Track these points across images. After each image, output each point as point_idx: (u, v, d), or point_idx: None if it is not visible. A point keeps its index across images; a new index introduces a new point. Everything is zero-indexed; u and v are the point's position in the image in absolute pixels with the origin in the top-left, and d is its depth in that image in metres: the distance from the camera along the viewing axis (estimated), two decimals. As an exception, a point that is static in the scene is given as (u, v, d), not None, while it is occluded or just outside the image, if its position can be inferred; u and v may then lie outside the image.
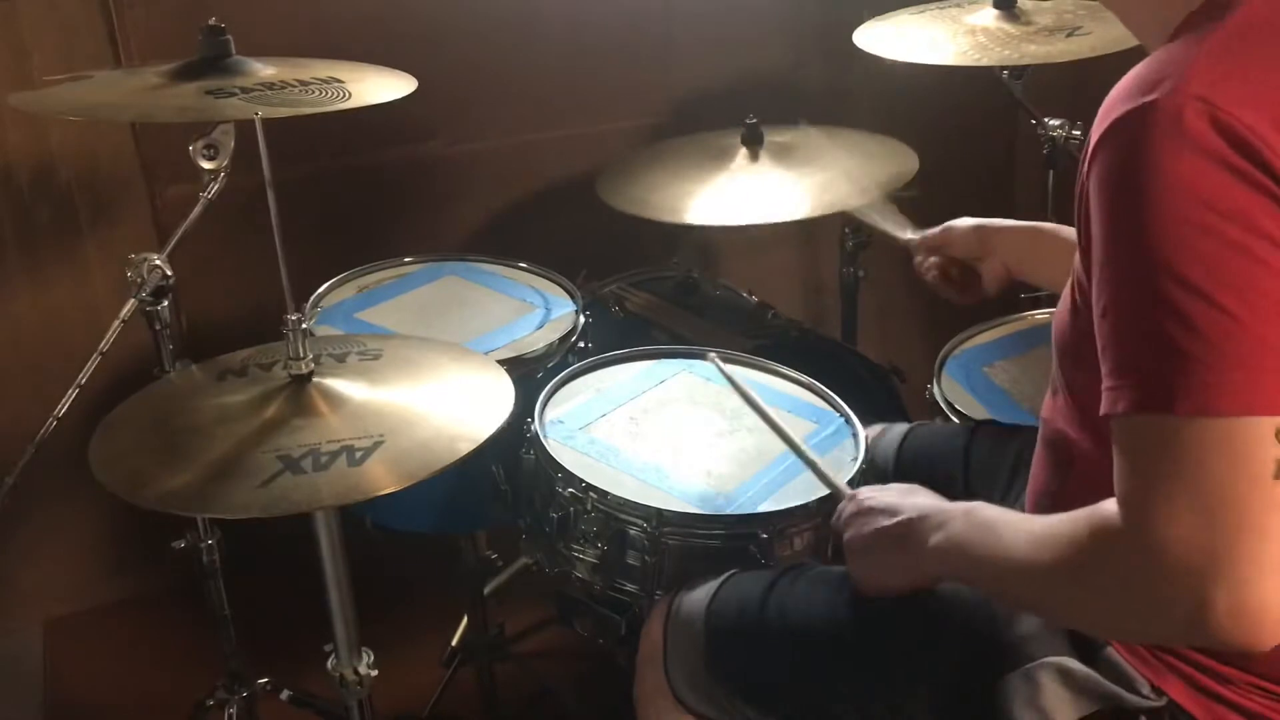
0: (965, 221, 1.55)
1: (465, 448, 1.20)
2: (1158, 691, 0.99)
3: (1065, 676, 1.02)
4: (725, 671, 1.21)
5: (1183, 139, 0.81)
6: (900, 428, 1.53)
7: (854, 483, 1.38)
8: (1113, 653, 1.01)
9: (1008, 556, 0.96)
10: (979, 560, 1.01)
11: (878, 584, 1.14)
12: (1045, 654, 1.03)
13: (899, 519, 1.11)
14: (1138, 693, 0.99)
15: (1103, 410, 0.86)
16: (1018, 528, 0.97)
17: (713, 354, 1.60)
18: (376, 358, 1.38)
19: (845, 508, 1.21)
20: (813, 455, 1.36)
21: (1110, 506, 0.86)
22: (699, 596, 1.26)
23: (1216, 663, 0.97)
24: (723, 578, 1.27)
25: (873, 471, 1.47)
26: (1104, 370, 0.87)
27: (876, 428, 1.55)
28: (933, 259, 1.57)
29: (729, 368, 1.54)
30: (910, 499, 1.14)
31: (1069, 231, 1.43)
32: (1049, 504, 1.02)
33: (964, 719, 1.08)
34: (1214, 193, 0.80)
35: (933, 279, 1.58)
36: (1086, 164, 0.89)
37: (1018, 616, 1.07)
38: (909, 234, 1.64)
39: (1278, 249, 0.80)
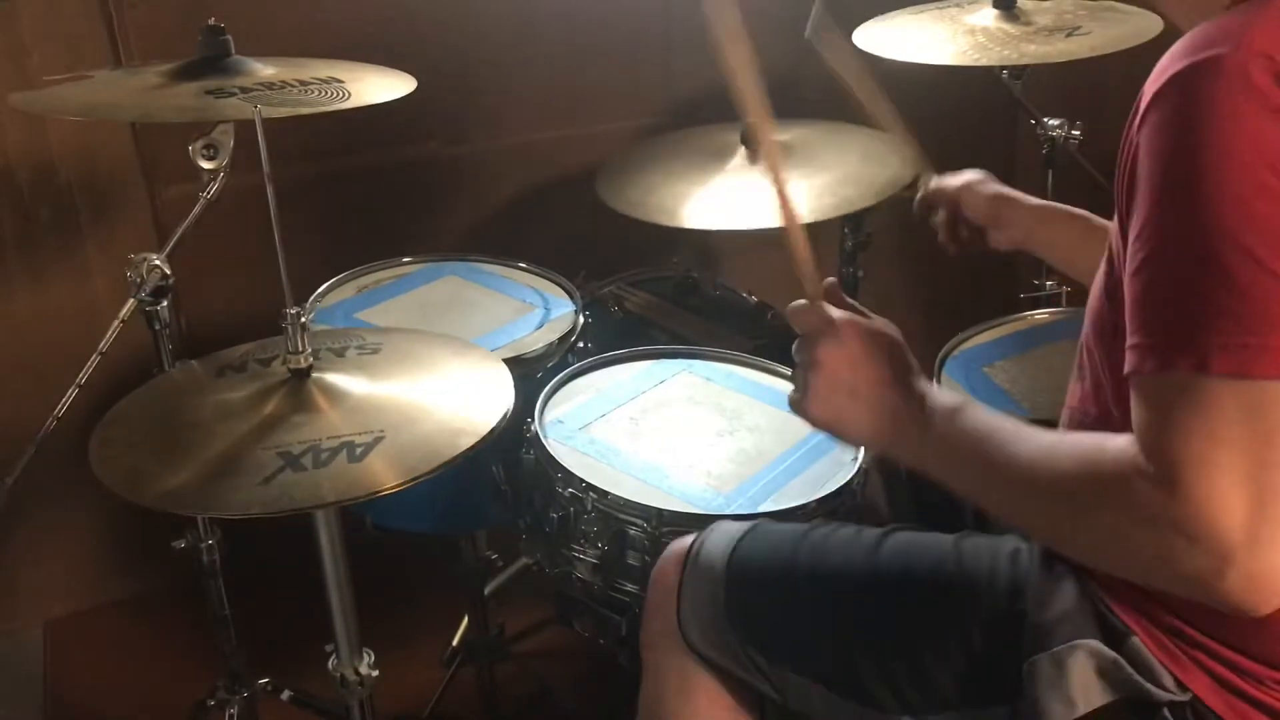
0: (985, 188, 1.53)
1: (467, 442, 1.19)
2: (1182, 686, 0.98)
3: (1094, 662, 1.00)
4: (744, 619, 1.18)
5: (1248, 93, 0.80)
6: None
7: (854, 483, 1.39)
8: (1138, 643, 1.00)
9: (1010, 461, 0.93)
10: (974, 462, 0.97)
11: (822, 422, 1.07)
12: (1075, 637, 1.01)
13: (892, 390, 1.03)
14: (1161, 685, 0.98)
15: (1127, 368, 0.84)
16: (1021, 438, 0.93)
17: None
18: (375, 352, 1.38)
19: (828, 314, 1.08)
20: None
21: (1126, 445, 0.84)
22: (722, 540, 1.22)
23: (1246, 660, 0.96)
24: (748, 525, 1.24)
25: (884, 466, 1.47)
26: (1130, 327, 0.85)
27: None
28: (943, 212, 1.56)
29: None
30: (891, 366, 1.05)
31: (1085, 215, 1.43)
32: None
33: (986, 693, 1.06)
34: (1273, 149, 0.79)
35: (938, 226, 1.56)
36: (1138, 120, 0.87)
37: (1050, 598, 1.05)
38: (928, 175, 1.61)
39: None
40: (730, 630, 1.19)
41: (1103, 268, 1.02)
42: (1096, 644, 1.01)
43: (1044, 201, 1.50)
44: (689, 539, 1.26)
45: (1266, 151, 0.80)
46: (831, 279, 1.15)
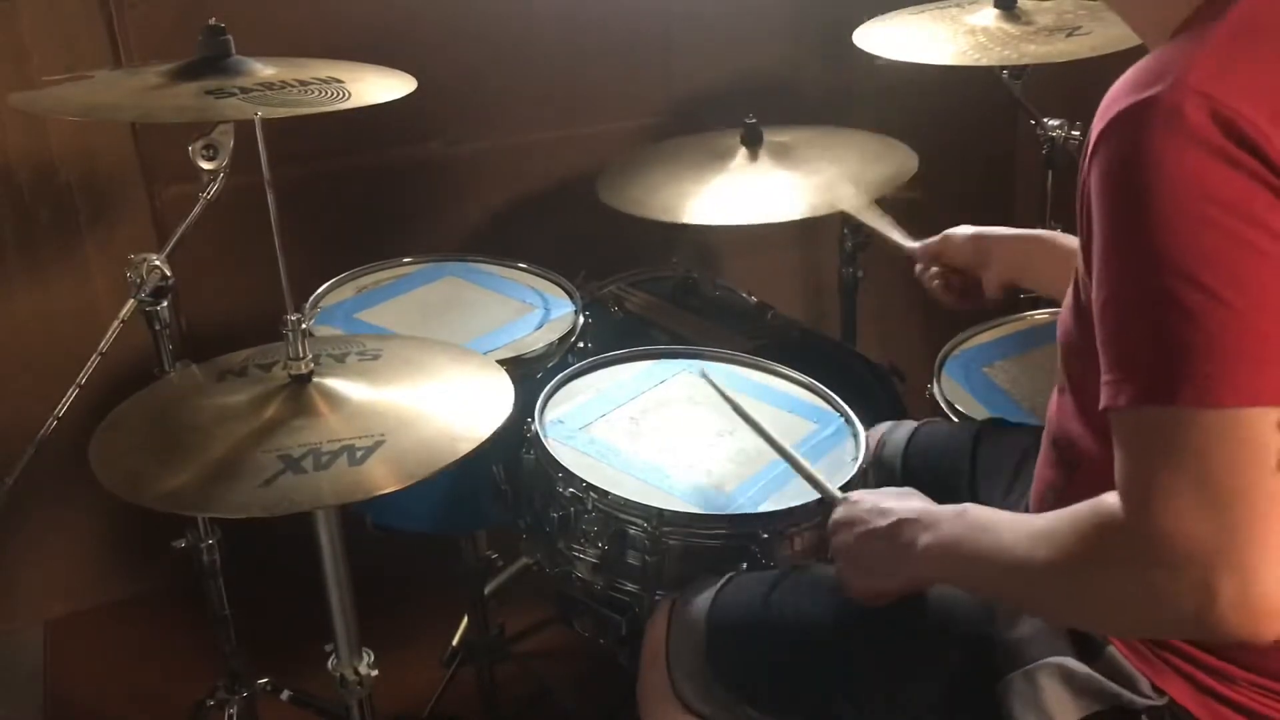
0: (962, 231, 1.55)
1: (466, 447, 1.20)
2: (1158, 691, 0.99)
3: (1066, 677, 1.02)
4: (727, 671, 1.21)
5: (1183, 132, 0.81)
6: (907, 426, 1.53)
7: (854, 483, 1.39)
8: (1113, 652, 1.01)
9: (1005, 554, 0.96)
10: (974, 559, 1.00)
11: (867, 587, 1.14)
12: (1046, 654, 1.03)
13: (890, 520, 1.11)
14: (1139, 692, 0.99)
15: (1103, 404, 0.86)
16: (1014, 526, 0.97)
17: (702, 366, 1.59)
18: (376, 358, 1.38)
19: (837, 512, 1.21)
20: (804, 462, 1.35)
21: (1110, 500, 0.86)
22: (701, 597, 1.26)
23: (1218, 661, 0.97)
24: (725, 578, 1.27)
25: (881, 468, 1.47)
26: (1103, 364, 0.87)
27: (883, 426, 1.55)
28: (933, 269, 1.57)
29: (719, 380, 1.52)
30: (902, 501, 1.13)
31: (1064, 238, 1.44)
32: (1054, 502, 1.02)
33: (966, 717, 1.08)
34: (1214, 185, 0.80)
35: (934, 288, 1.58)
36: (1087, 160, 0.89)
37: (1018, 617, 1.07)
38: (908, 242, 1.64)
39: (1276, 241, 0.80)
40: (718, 682, 1.21)
41: (1070, 291, 1.03)
42: (1067, 660, 1.02)
43: (1015, 231, 1.50)
44: (674, 596, 1.29)
45: (1207, 187, 0.81)
46: (843, 496, 1.25)
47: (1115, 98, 0.87)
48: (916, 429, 1.52)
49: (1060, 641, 1.04)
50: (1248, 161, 0.80)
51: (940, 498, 1.34)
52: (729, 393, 1.48)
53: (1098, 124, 0.88)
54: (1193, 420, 0.80)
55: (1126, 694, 0.99)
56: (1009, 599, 1.03)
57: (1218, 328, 0.80)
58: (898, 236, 1.67)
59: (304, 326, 1.25)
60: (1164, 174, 0.81)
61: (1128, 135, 0.84)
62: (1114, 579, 0.86)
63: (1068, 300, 1.04)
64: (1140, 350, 0.84)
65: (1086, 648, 1.03)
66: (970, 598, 1.10)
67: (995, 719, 1.04)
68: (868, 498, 1.18)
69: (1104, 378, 0.86)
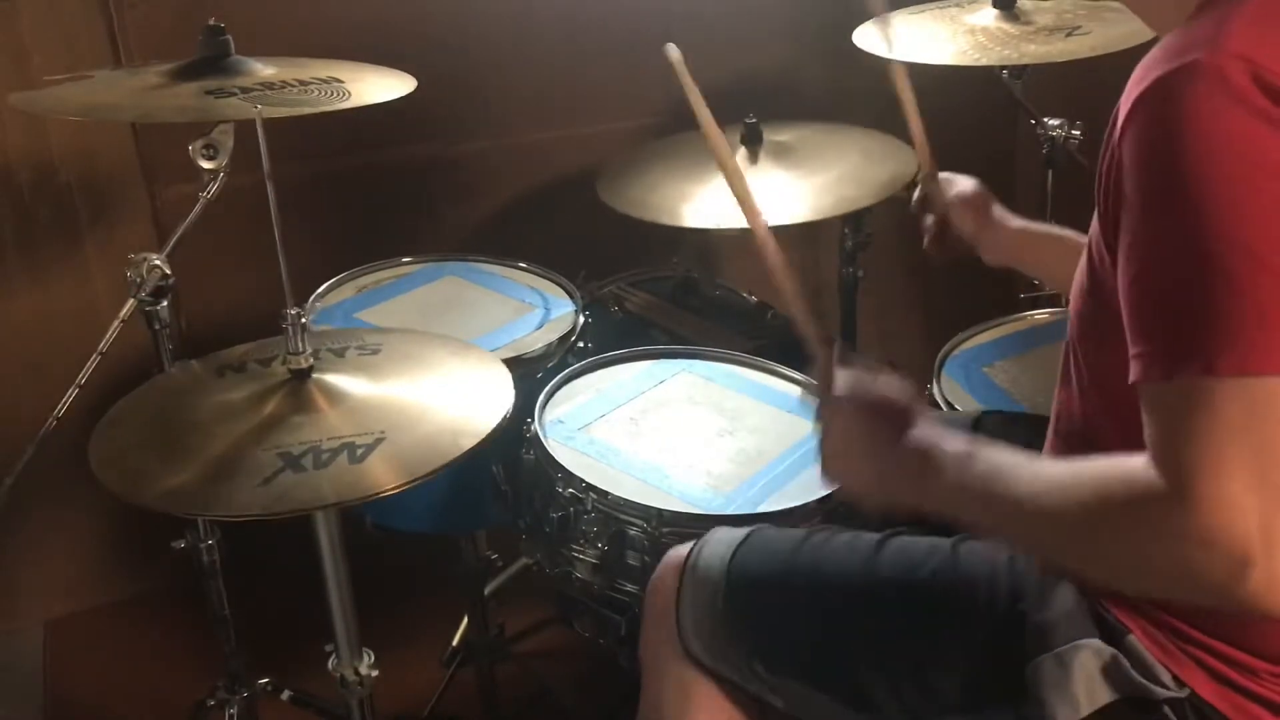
0: (972, 207, 1.52)
1: (468, 443, 1.19)
2: (1179, 683, 0.98)
3: (1097, 661, 1.00)
4: (744, 625, 1.18)
5: (1227, 95, 0.80)
6: None
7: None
8: (1134, 642, 1.00)
9: (1017, 503, 0.93)
10: (990, 505, 0.96)
11: (852, 485, 1.09)
12: (1077, 636, 1.01)
13: (900, 452, 1.04)
14: (1160, 683, 0.98)
15: (1133, 377, 0.84)
16: (1028, 474, 0.93)
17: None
18: (376, 352, 1.38)
19: (830, 390, 1.11)
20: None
21: (1141, 467, 0.83)
22: (720, 548, 1.22)
23: (1241, 654, 0.96)
24: (745, 532, 1.23)
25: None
26: (1132, 337, 0.85)
27: None
28: (933, 219, 1.56)
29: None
30: (902, 419, 1.06)
31: (1064, 234, 1.43)
32: None
33: (990, 694, 1.06)
34: (1259, 148, 0.79)
35: (927, 239, 1.57)
36: (1118, 130, 0.88)
37: (1052, 598, 1.04)
38: (929, 176, 1.61)
39: None
40: (731, 638, 1.18)
41: (1082, 268, 1.02)
42: (1098, 643, 1.01)
43: (1027, 223, 1.49)
44: (686, 547, 1.25)
45: (1252, 151, 0.80)
46: (837, 343, 1.18)
47: (1148, 68, 0.86)
48: None
49: (1088, 624, 1.02)
50: None
51: None
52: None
53: (1130, 94, 0.86)
54: (1235, 389, 0.78)
55: (1148, 684, 0.98)
56: (1024, 546, 1.00)
57: (1262, 293, 0.78)
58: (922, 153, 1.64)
59: (304, 321, 1.25)
60: (1207, 137, 0.80)
61: (1168, 100, 0.83)
62: (1146, 542, 0.83)
63: (1078, 282, 1.02)
64: (1179, 318, 0.82)
65: (1108, 636, 1.01)
66: (1008, 573, 1.08)
67: (1019, 698, 1.02)
68: (850, 411, 1.09)
69: (1135, 350, 0.84)
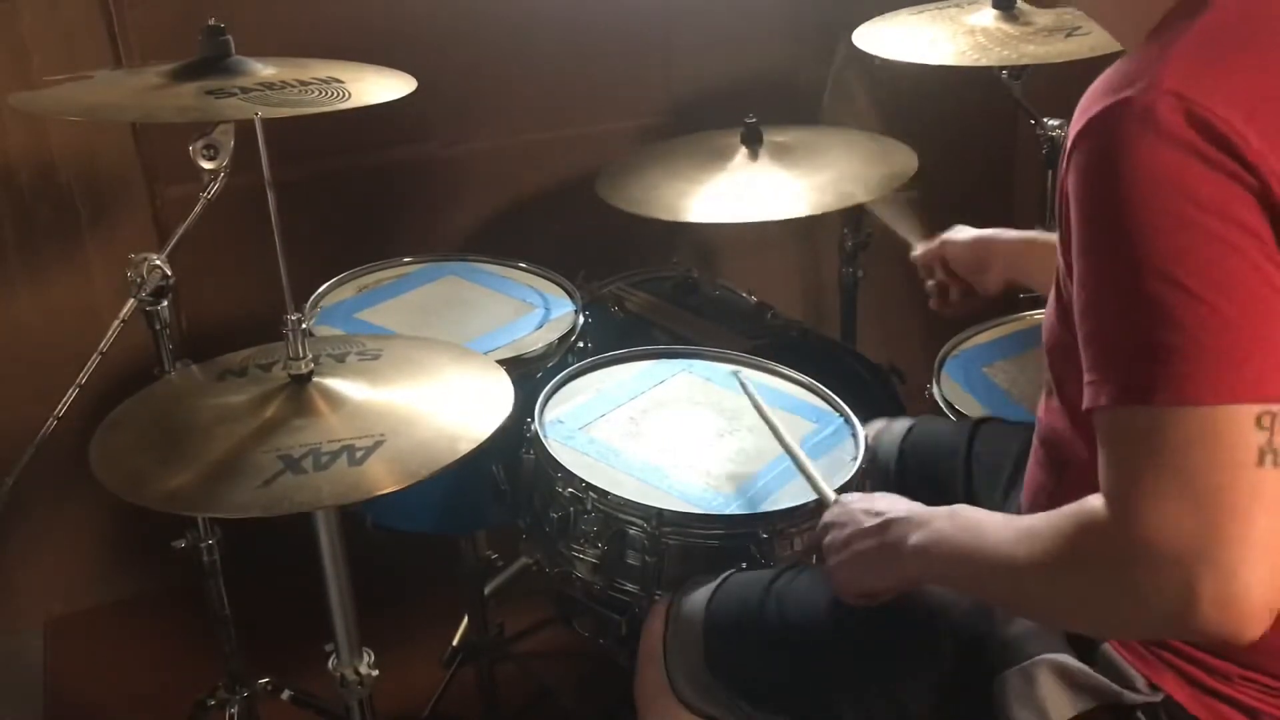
0: (961, 235, 1.55)
1: (466, 447, 1.20)
2: (1153, 687, 0.99)
3: (1062, 673, 1.02)
4: (725, 669, 1.22)
5: (1158, 133, 0.81)
6: (903, 423, 1.54)
7: (853, 483, 1.39)
8: (1108, 649, 1.02)
9: (991, 553, 0.96)
10: (961, 559, 1.00)
11: (856, 586, 1.14)
12: (1042, 651, 1.03)
13: (879, 520, 1.11)
14: (1134, 689, 1.00)
15: (1085, 404, 0.87)
16: (1001, 526, 0.97)
17: (736, 368, 1.59)
18: (376, 358, 1.38)
19: (828, 513, 1.21)
20: (806, 461, 1.35)
21: (1094, 502, 0.86)
22: (699, 596, 1.26)
23: (1212, 657, 0.97)
24: (722, 577, 1.27)
25: (876, 466, 1.47)
26: (1084, 365, 0.87)
27: (879, 423, 1.55)
28: (932, 280, 1.58)
29: (750, 381, 1.53)
30: (893, 502, 1.13)
31: (1050, 237, 1.44)
32: (1045, 502, 1.02)
33: (962, 715, 1.08)
34: (1190, 185, 0.81)
35: (932, 297, 1.60)
36: (1065, 162, 0.90)
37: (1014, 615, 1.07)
38: (915, 246, 1.64)
39: (1253, 239, 0.81)
40: (715, 680, 1.22)
41: (1052, 292, 1.04)
42: (1063, 656, 1.02)
43: (1018, 234, 1.52)
44: (671, 596, 1.29)
45: (1183, 186, 0.81)
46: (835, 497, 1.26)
47: (1091, 100, 0.88)
48: (912, 426, 1.53)
49: (1056, 639, 1.04)
50: (1222, 160, 0.81)
51: (935, 494, 1.34)
52: (755, 396, 1.47)
53: (1075, 126, 0.88)
54: (1172, 419, 0.81)
55: (1122, 691, 1.00)
56: (995, 599, 1.04)
57: (1195, 327, 0.80)
58: (909, 234, 1.67)
59: (304, 326, 1.25)
60: (1140, 174, 0.82)
61: (1103, 137, 0.84)
62: (1095, 579, 0.86)
63: (1050, 301, 1.05)
64: (1119, 350, 0.84)
65: (1081, 645, 1.03)
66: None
67: (991, 715, 1.04)
68: (859, 499, 1.18)
69: (1085, 378, 0.87)
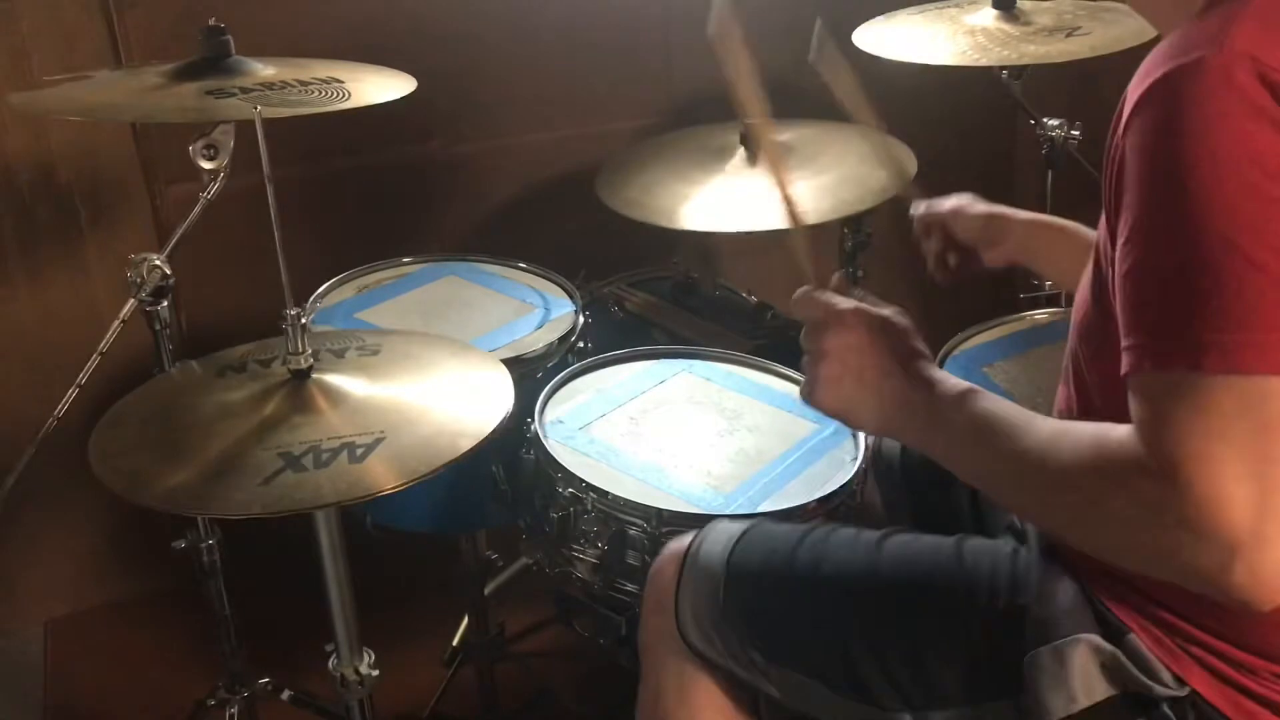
0: (976, 208, 1.52)
1: (467, 444, 1.19)
2: (1179, 681, 0.98)
3: (1095, 656, 1.01)
4: (744, 617, 1.18)
5: (1232, 94, 0.80)
6: None
7: (853, 483, 1.39)
8: (1135, 640, 1.00)
9: (1014, 455, 0.92)
10: (982, 450, 0.97)
11: (836, 408, 1.07)
12: (1077, 630, 1.02)
13: (899, 377, 1.03)
14: (1160, 681, 0.99)
15: (1125, 369, 0.85)
16: (1027, 427, 0.93)
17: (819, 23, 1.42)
18: (375, 353, 1.38)
19: (832, 303, 1.09)
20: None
21: (1123, 433, 0.84)
22: (721, 540, 1.22)
23: (1241, 653, 0.97)
24: (745, 525, 1.24)
25: (879, 462, 1.47)
26: (1126, 328, 0.85)
27: None
28: (934, 239, 1.55)
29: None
30: (902, 348, 1.05)
31: (1083, 230, 1.43)
32: None
33: (987, 688, 1.07)
34: (1260, 149, 0.80)
35: (930, 260, 1.56)
36: (1123, 124, 0.88)
37: (1053, 594, 1.05)
38: (916, 204, 1.60)
39: None
40: (729, 629, 1.19)
41: (1089, 271, 1.02)
42: (1097, 638, 1.01)
43: (1033, 215, 1.50)
44: (687, 538, 1.26)
45: (1253, 150, 0.80)
46: (840, 273, 1.15)
47: (1155, 63, 0.86)
48: None
49: (1089, 620, 1.03)
50: None
51: (940, 490, 1.33)
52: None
53: (1135, 89, 0.87)
54: (1222, 387, 0.79)
55: (1148, 682, 0.99)
56: (1000, 497, 1.00)
57: (1253, 294, 0.79)
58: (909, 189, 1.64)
59: (304, 321, 1.25)
60: (1210, 137, 0.81)
61: (1173, 98, 0.83)
62: (1131, 518, 0.83)
63: (1084, 284, 1.03)
64: (1172, 313, 0.82)
65: (1109, 633, 1.02)
66: (1008, 567, 1.09)
67: (1017, 691, 1.03)
68: (860, 328, 1.06)
69: (1127, 342, 0.85)
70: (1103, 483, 0.86)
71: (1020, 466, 0.93)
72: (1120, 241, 0.87)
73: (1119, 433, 0.85)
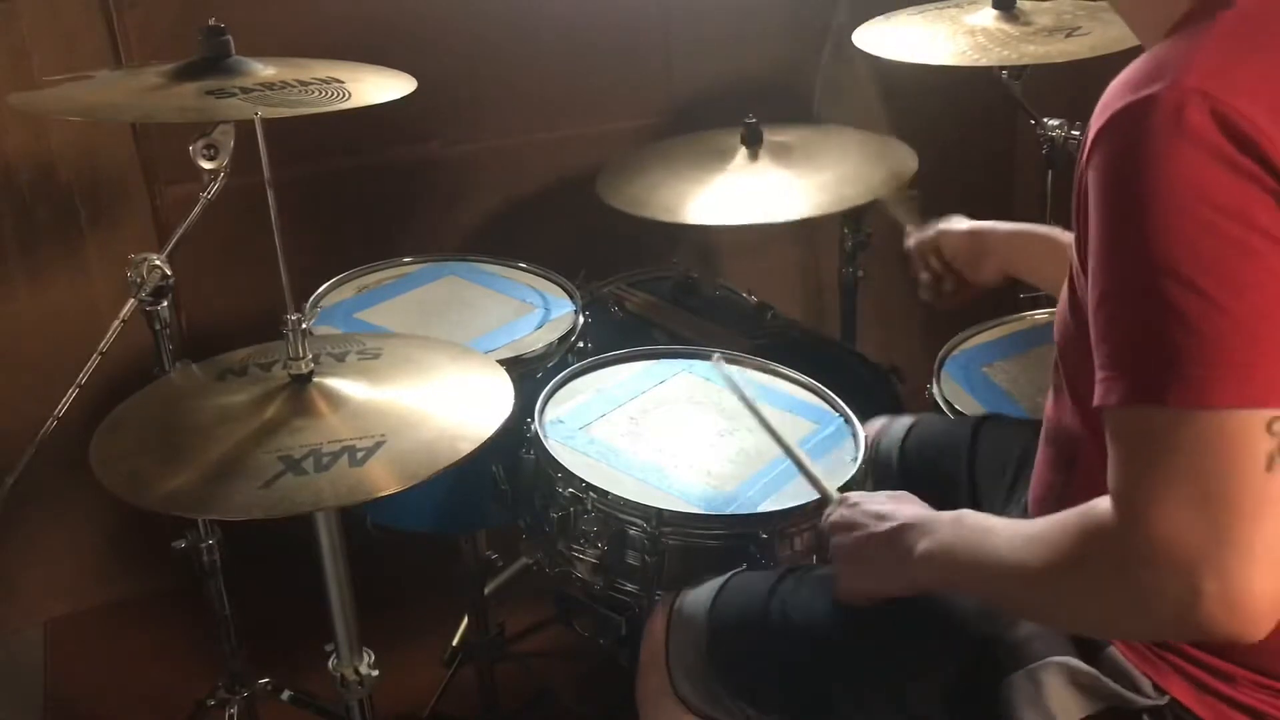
0: (958, 226, 1.55)
1: (466, 448, 1.19)
2: (1159, 690, 0.99)
3: (1069, 676, 1.02)
4: (728, 670, 1.21)
5: (1183, 133, 0.81)
6: (905, 420, 1.54)
7: (853, 482, 1.39)
8: (1114, 652, 1.02)
9: (998, 560, 0.96)
10: (968, 564, 1.01)
11: (862, 590, 1.14)
12: (1049, 654, 1.03)
13: (887, 526, 1.11)
14: (1140, 692, 1.00)
15: (1096, 401, 0.87)
16: (1007, 531, 0.98)
17: (718, 355, 1.59)
18: (376, 357, 1.38)
19: (833, 511, 1.21)
20: (804, 459, 1.34)
21: (1101, 505, 0.86)
22: (701, 596, 1.26)
23: (1220, 661, 0.97)
24: (725, 577, 1.27)
25: (877, 462, 1.48)
26: (1097, 362, 0.87)
27: (880, 420, 1.55)
28: (926, 270, 1.58)
29: (731, 369, 1.53)
30: (899, 505, 1.14)
31: (1059, 232, 1.44)
32: (1053, 502, 1.02)
33: (969, 716, 1.08)
34: (1212, 187, 0.81)
35: (924, 287, 1.59)
36: (1085, 157, 0.89)
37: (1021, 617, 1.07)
38: (910, 235, 1.64)
39: (1274, 244, 0.81)
40: (718, 681, 1.21)
41: (1065, 286, 1.04)
42: (1070, 659, 1.02)
43: (1017, 226, 1.52)
44: (673, 595, 1.29)
45: (1204, 189, 0.81)
46: (840, 496, 1.26)
47: (1114, 95, 0.87)
48: (914, 423, 1.52)
49: (1062, 641, 1.04)
50: (1246, 164, 0.80)
51: (938, 492, 1.33)
52: (742, 387, 1.46)
53: (1096, 121, 0.88)
54: (1183, 420, 0.81)
55: (1128, 693, 1.00)
56: (1002, 603, 1.04)
57: (1210, 330, 0.80)
58: (909, 222, 1.67)
59: (304, 326, 1.25)
60: (1162, 174, 0.81)
61: (1126, 134, 0.84)
62: (1101, 582, 0.86)
63: (1063, 296, 1.05)
64: (1133, 349, 0.84)
65: (1087, 648, 1.03)
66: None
67: (998, 718, 1.04)
68: (865, 500, 1.18)
69: (1098, 375, 0.87)
70: (1072, 558, 0.89)
71: (1010, 577, 0.96)
72: (1089, 274, 0.89)
73: (1083, 507, 0.88)
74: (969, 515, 1.04)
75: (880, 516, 1.13)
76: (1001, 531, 0.98)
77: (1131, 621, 0.88)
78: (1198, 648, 0.98)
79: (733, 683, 1.21)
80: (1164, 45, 0.89)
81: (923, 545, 1.05)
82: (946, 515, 1.06)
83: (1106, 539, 0.85)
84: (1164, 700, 0.99)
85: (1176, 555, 0.80)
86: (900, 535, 1.09)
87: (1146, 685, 1.00)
